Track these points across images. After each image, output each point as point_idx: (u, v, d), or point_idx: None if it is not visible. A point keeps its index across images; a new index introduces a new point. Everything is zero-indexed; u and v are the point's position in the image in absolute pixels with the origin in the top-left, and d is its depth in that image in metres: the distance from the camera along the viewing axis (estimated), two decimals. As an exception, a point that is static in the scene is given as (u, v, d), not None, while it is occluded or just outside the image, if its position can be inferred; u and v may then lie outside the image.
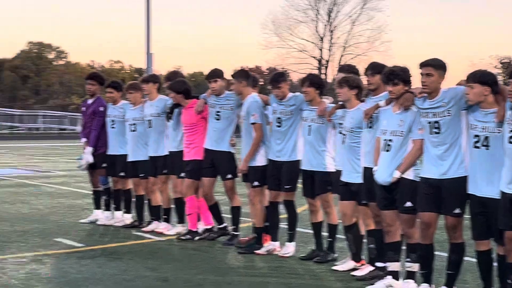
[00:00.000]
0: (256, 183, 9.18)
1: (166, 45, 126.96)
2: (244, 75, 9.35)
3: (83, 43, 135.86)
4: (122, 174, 11.01)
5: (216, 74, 9.71)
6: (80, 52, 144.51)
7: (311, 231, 8.95)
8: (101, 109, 11.10)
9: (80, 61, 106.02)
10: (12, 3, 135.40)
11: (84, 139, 11.19)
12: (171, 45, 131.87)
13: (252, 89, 9.38)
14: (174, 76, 10.52)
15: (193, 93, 10.07)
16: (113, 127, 11.05)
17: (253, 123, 9.09)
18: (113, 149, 11.06)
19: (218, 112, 9.68)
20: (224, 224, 10.06)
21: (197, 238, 9.94)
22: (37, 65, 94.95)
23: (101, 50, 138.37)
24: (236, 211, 9.82)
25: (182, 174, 10.05)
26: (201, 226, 10.12)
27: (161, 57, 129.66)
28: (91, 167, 11.18)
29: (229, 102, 9.66)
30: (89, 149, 11.02)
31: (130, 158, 10.83)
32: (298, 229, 9.18)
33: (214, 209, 9.99)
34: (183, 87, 9.95)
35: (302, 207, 10.86)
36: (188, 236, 9.96)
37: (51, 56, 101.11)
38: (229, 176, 9.72)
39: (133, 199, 11.14)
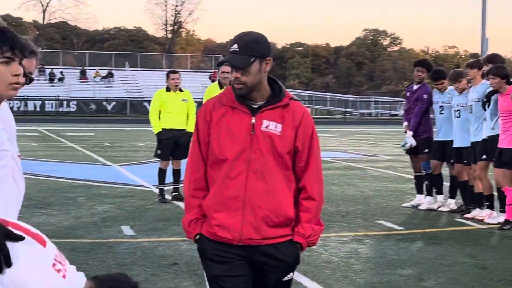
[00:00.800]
0: None
1: (503, 29, 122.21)
2: None
3: (417, 29, 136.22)
4: (451, 160, 10.95)
5: None
6: (414, 38, 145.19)
7: None
8: (425, 96, 11.14)
9: (414, 47, 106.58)
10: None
11: (405, 123, 11.37)
12: (508, 29, 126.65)
13: None
14: (495, 59, 10.16)
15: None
16: (441, 113, 11.06)
17: None
18: (442, 135, 11.06)
19: (541, 98, 9.21)
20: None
21: (507, 227, 9.61)
22: (372, 51, 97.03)
23: (435, 35, 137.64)
24: None
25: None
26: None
27: (497, 42, 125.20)
28: (413, 152, 11.31)
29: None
30: (410, 133, 11.15)
31: (455, 144, 10.76)
32: None
33: None
34: (504, 72, 9.60)
35: None
36: (508, 226, 9.63)
37: (386, 42, 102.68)
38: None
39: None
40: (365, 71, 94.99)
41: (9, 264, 2.72)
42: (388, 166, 18.24)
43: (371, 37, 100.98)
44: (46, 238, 2.94)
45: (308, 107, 58.14)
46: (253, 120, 3.64)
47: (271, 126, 3.64)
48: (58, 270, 2.88)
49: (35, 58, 3.88)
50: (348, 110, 62.35)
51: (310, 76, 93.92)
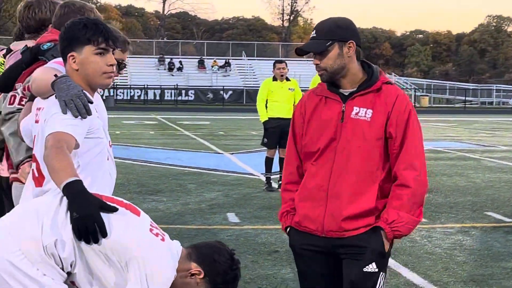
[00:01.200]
0: None
1: None
2: None
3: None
4: None
5: None
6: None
7: None
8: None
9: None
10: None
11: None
12: None
13: None
14: None
15: None
16: None
17: None
18: None
19: None
20: None
21: None
22: (495, 38, 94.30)
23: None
24: None
25: None
26: None
27: None
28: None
29: None
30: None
31: None
32: None
33: None
34: None
35: None
36: None
37: (510, 29, 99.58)
38: None
39: None
40: (488, 58, 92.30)
41: (104, 234, 2.89)
42: (504, 157, 17.65)
43: (494, 24, 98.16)
44: (139, 209, 3.14)
45: (426, 95, 57.08)
46: (343, 108, 3.53)
47: (361, 113, 3.50)
48: (157, 234, 3.06)
49: (127, 48, 4.06)
50: (468, 98, 60.60)
51: (430, 64, 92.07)
